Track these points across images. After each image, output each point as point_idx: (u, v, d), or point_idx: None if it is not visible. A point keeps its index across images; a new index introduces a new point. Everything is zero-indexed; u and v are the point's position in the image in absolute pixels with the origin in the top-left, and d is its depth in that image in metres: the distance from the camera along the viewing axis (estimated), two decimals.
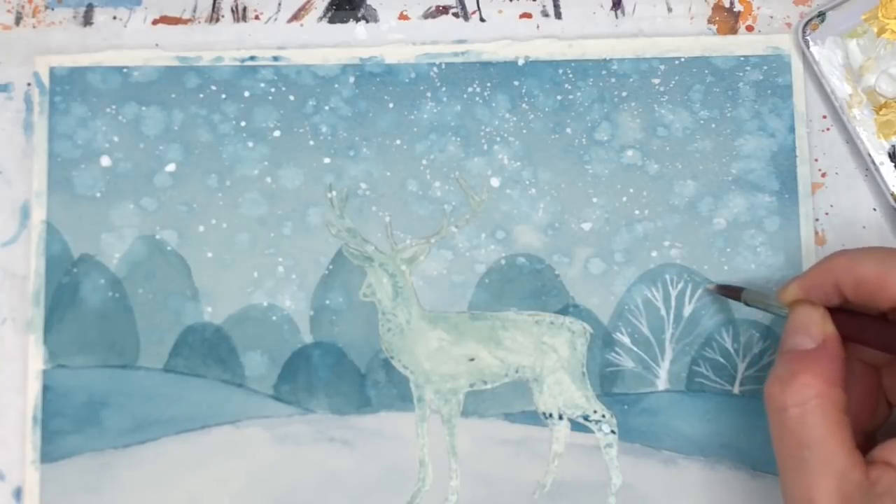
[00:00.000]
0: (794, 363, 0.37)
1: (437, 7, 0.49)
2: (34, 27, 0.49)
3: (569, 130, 0.48)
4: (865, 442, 0.41)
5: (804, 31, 0.47)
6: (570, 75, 0.48)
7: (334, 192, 0.47)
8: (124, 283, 0.47)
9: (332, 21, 0.49)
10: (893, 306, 0.38)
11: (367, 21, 0.49)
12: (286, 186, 0.47)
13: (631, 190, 0.47)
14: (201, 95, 0.48)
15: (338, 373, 0.46)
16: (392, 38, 0.49)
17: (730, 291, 0.45)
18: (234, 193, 0.47)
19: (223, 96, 0.48)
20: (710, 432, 0.46)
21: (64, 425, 0.46)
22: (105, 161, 0.48)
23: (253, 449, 0.46)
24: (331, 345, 0.47)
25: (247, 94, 0.48)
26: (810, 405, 0.36)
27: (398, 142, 0.48)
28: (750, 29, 0.48)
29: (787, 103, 0.47)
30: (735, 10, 0.49)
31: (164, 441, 0.46)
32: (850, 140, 0.47)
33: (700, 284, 0.46)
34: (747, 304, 0.44)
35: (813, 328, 0.38)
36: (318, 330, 0.47)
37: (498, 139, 0.48)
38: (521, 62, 0.48)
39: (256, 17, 0.49)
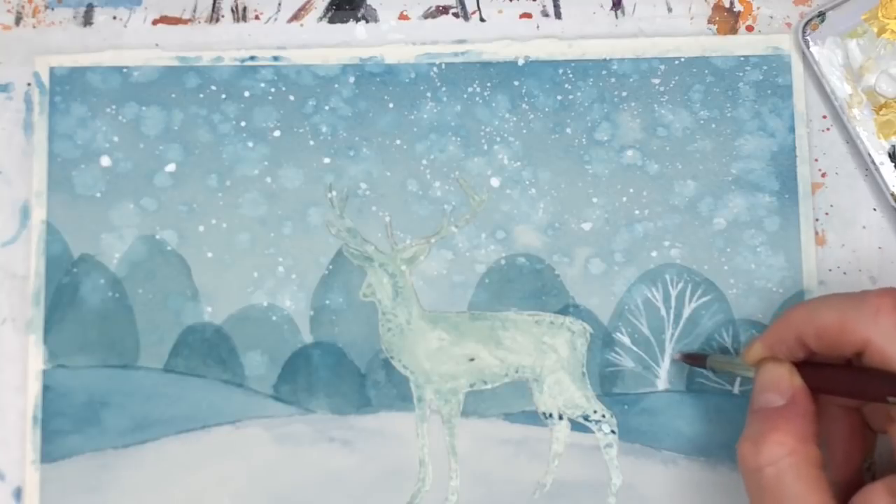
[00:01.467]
0: (765, 422, 0.37)
1: (437, 7, 0.49)
2: (34, 27, 0.49)
3: (569, 130, 0.48)
4: (856, 480, 0.41)
5: (804, 31, 0.47)
6: (570, 75, 0.48)
7: (334, 192, 0.47)
8: (124, 283, 0.47)
9: (332, 21, 0.49)
10: (856, 351, 0.37)
11: (367, 21, 0.49)
12: (286, 186, 0.47)
13: (631, 190, 0.47)
14: (201, 95, 0.48)
15: (338, 373, 0.46)
16: (392, 38, 0.49)
17: (694, 360, 0.45)
18: (234, 193, 0.47)
19: (223, 96, 0.48)
20: (710, 432, 0.46)
21: (64, 425, 0.46)
22: (105, 161, 0.48)
23: (253, 449, 0.46)
24: (331, 345, 0.47)
25: (247, 94, 0.48)
26: (784, 463, 0.36)
27: (398, 142, 0.48)
28: (750, 29, 0.48)
29: (787, 103, 0.47)
30: (735, 10, 0.49)
31: (164, 441, 0.46)
32: (850, 140, 0.47)
33: (700, 284, 0.46)
34: (714, 371, 0.44)
35: (781, 384, 0.38)
36: (318, 330, 0.47)
37: (498, 139, 0.48)
38: (521, 62, 0.48)
39: (256, 17, 0.49)
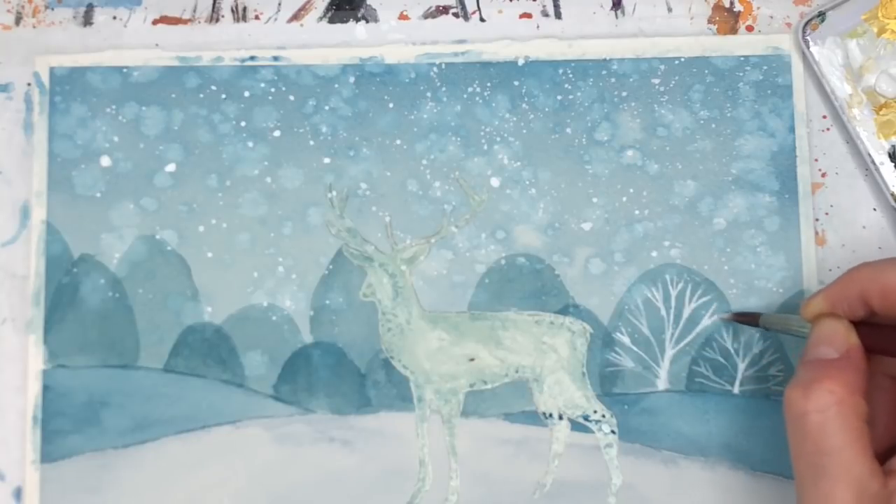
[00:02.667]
0: (816, 370, 0.37)
1: (437, 7, 0.49)
2: (34, 27, 0.49)
3: (569, 130, 0.48)
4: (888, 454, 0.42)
5: (804, 31, 0.47)
6: (570, 75, 0.48)
7: (334, 192, 0.47)
8: (124, 283, 0.47)
9: (332, 21, 0.49)
10: None
11: (367, 21, 0.49)
12: (286, 186, 0.47)
13: (631, 190, 0.47)
14: (201, 95, 0.48)
15: (338, 373, 0.46)
16: (392, 38, 0.49)
17: (747, 318, 0.45)
18: (234, 193, 0.47)
19: (223, 96, 0.48)
20: (710, 432, 0.46)
21: (64, 425, 0.46)
22: (105, 161, 0.48)
23: (253, 449, 0.46)
24: (331, 345, 0.47)
25: (247, 94, 0.48)
26: (831, 412, 0.36)
27: (398, 142, 0.48)
28: (750, 29, 0.48)
29: (787, 103, 0.47)
30: (735, 10, 0.49)
31: (164, 441, 0.46)
32: (850, 140, 0.47)
33: (700, 284, 0.46)
34: (766, 329, 0.44)
35: (837, 339, 0.38)
36: (318, 330, 0.47)
37: (498, 139, 0.48)
38: (521, 62, 0.48)
39: (256, 17, 0.49)
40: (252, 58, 0.48)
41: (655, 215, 0.47)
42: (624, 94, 0.48)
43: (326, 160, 0.48)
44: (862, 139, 0.46)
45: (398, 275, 0.47)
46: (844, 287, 0.39)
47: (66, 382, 0.46)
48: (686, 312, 0.46)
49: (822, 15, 0.47)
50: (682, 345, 0.46)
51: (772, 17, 0.49)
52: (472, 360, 0.46)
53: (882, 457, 0.37)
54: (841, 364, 0.37)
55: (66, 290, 0.47)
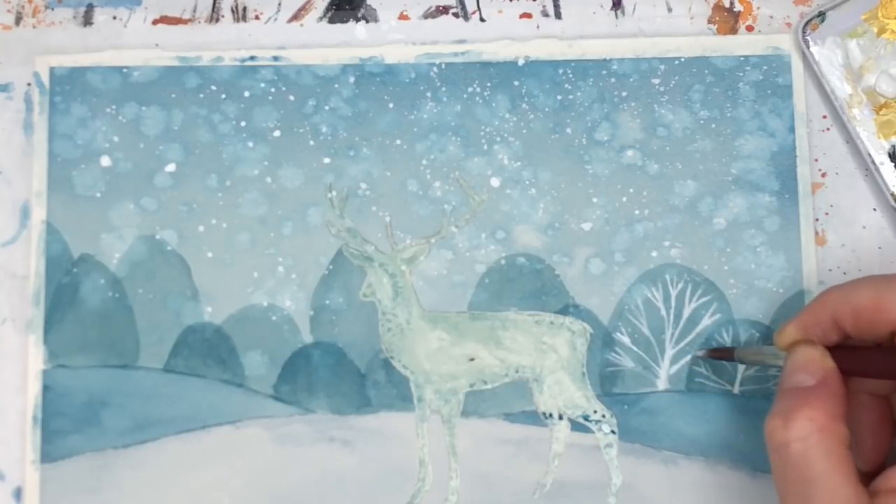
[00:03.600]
0: (795, 399, 0.37)
1: (437, 7, 0.49)
2: (34, 27, 0.49)
3: (569, 130, 0.48)
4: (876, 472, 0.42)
5: (804, 31, 0.47)
6: (570, 75, 0.48)
7: (334, 192, 0.47)
8: (124, 283, 0.47)
9: (332, 21, 0.49)
10: (893, 330, 0.37)
11: (367, 21, 0.49)
12: (286, 186, 0.47)
13: (631, 190, 0.47)
14: (201, 95, 0.48)
15: (338, 373, 0.46)
16: (392, 38, 0.49)
17: (721, 354, 0.45)
18: (234, 193, 0.47)
19: (223, 96, 0.48)
20: (710, 432, 0.46)
21: (64, 425, 0.46)
22: (105, 161, 0.48)
23: (253, 449, 0.46)
24: (331, 345, 0.47)
25: (247, 94, 0.48)
26: (813, 440, 0.36)
27: (398, 142, 0.48)
28: (750, 29, 0.48)
29: (787, 103, 0.47)
30: (735, 10, 0.49)
31: (164, 441, 0.46)
32: (850, 140, 0.47)
33: (700, 284, 0.46)
34: (742, 363, 0.44)
35: (812, 365, 0.38)
36: (318, 330, 0.47)
37: (498, 139, 0.48)
38: (521, 62, 0.48)
39: (256, 17, 0.49)
40: (252, 58, 0.48)
41: (655, 215, 0.47)
42: (624, 94, 0.48)
43: (326, 160, 0.48)
44: (862, 139, 0.46)
45: (398, 275, 0.47)
46: (815, 313, 0.40)
47: (66, 382, 0.46)
48: (686, 312, 0.46)
49: (822, 15, 0.47)
50: (682, 345, 0.46)
51: (772, 17, 0.49)
52: (472, 360, 0.46)
53: (870, 476, 0.37)
54: (819, 391, 0.37)
55: (66, 290, 0.47)
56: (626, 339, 0.46)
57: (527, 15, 0.49)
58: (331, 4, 0.49)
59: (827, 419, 0.36)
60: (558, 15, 0.49)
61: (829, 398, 0.37)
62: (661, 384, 0.46)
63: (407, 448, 0.46)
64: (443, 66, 0.48)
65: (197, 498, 0.46)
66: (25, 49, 0.49)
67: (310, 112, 0.48)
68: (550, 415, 0.46)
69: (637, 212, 0.47)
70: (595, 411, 0.46)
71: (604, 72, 0.48)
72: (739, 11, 0.49)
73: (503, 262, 0.47)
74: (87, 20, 0.49)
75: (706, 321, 0.46)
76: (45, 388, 0.46)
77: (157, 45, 0.49)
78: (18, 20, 0.49)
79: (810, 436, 0.36)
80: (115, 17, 0.49)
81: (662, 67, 0.48)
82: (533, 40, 0.48)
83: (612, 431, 0.46)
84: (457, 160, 0.47)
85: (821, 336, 0.39)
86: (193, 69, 0.48)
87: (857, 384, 0.40)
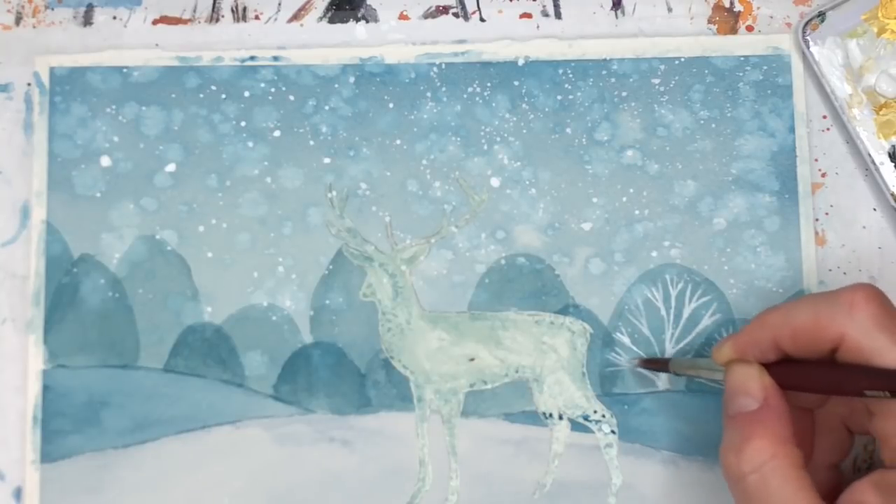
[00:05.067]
0: (743, 429, 0.37)
1: (437, 7, 0.49)
2: (34, 27, 0.49)
3: (569, 130, 0.48)
4: (833, 478, 0.42)
5: (804, 31, 0.47)
6: (570, 75, 0.48)
7: (334, 192, 0.47)
8: (124, 283, 0.47)
9: (332, 21, 0.49)
10: (832, 348, 0.37)
11: (367, 21, 0.49)
12: (286, 186, 0.47)
13: (631, 190, 0.47)
14: (201, 95, 0.48)
15: (338, 373, 0.46)
16: (392, 38, 0.49)
17: (655, 364, 0.45)
18: (234, 193, 0.47)
19: (223, 96, 0.48)
20: (710, 432, 0.46)
21: (64, 425, 0.46)
22: (105, 161, 0.48)
23: (253, 449, 0.46)
24: (331, 345, 0.47)
25: (247, 94, 0.48)
26: (767, 468, 0.36)
27: (398, 142, 0.48)
28: (750, 29, 0.48)
29: (787, 103, 0.47)
30: (735, 10, 0.49)
31: (164, 441, 0.46)
32: (850, 140, 0.47)
33: (700, 284, 0.46)
34: (676, 374, 0.44)
35: (752, 386, 0.38)
36: (318, 330, 0.47)
37: (498, 139, 0.48)
38: (521, 62, 0.48)
39: (256, 17, 0.49)
40: (252, 58, 0.48)
41: (655, 215, 0.47)
42: (624, 94, 0.48)
43: (326, 160, 0.48)
44: (862, 139, 0.46)
45: (398, 275, 0.47)
46: (754, 333, 0.39)
47: (66, 382, 0.46)
48: (686, 312, 0.46)
49: (822, 15, 0.47)
50: (682, 345, 0.46)
51: (772, 17, 0.49)
52: (472, 360, 0.46)
53: (823, 487, 0.37)
54: (763, 416, 0.37)
55: (66, 290, 0.47)
56: (626, 339, 0.46)
57: (527, 15, 0.49)
58: (331, 4, 0.49)
59: (777, 444, 0.36)
60: (558, 15, 0.49)
61: (775, 421, 0.37)
62: (661, 384, 0.46)
63: (407, 448, 0.46)
64: (443, 66, 0.48)
65: (197, 498, 0.46)
66: (25, 49, 0.49)
67: (310, 112, 0.48)
68: (550, 415, 0.46)
69: (637, 212, 0.47)
70: (595, 411, 0.46)
71: (604, 72, 0.48)
72: (739, 11, 0.49)
73: (503, 262, 0.47)
74: (87, 20, 0.49)
75: (706, 321, 0.46)
76: (45, 388, 0.46)
77: (157, 45, 0.49)
78: (18, 20, 0.49)
79: (764, 465, 0.36)
80: (115, 17, 0.49)
81: (662, 67, 0.48)
82: (533, 40, 0.48)
83: (612, 431, 0.46)
84: (457, 160, 0.47)
85: (759, 356, 0.39)
86: (193, 69, 0.48)
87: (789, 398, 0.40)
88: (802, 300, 0.39)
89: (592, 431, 0.46)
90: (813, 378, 0.38)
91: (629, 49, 0.48)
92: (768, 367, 0.39)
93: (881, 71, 0.47)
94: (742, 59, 0.48)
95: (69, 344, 0.46)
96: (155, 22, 0.49)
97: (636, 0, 0.49)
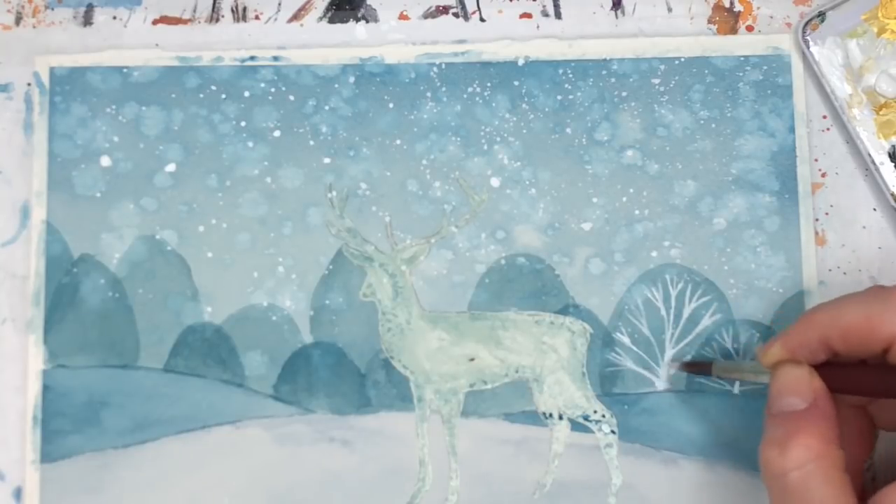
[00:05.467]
0: (788, 425, 0.37)
1: (437, 7, 0.49)
2: (34, 27, 0.49)
3: (569, 130, 0.48)
4: (857, 482, 0.41)
5: (804, 31, 0.47)
6: (570, 75, 0.48)
7: (334, 192, 0.47)
8: (124, 283, 0.47)
9: (332, 21, 0.49)
10: (884, 347, 0.37)
11: (367, 21, 0.49)
12: (286, 186, 0.47)
13: (631, 190, 0.47)
14: (201, 95, 0.48)
15: (338, 373, 0.46)
16: (392, 38, 0.49)
17: (696, 368, 0.45)
18: (234, 193, 0.47)
19: (223, 96, 0.48)
20: (710, 432, 0.46)
21: (64, 425, 0.46)
22: (105, 161, 0.48)
23: (253, 449, 0.46)
24: (331, 345, 0.47)
25: (247, 94, 0.48)
26: (811, 467, 0.36)
27: (398, 142, 0.48)
28: (750, 29, 0.48)
29: (787, 103, 0.47)
30: (735, 10, 0.49)
31: (164, 441, 0.46)
32: (850, 140, 0.47)
33: (700, 284, 0.46)
34: (719, 378, 0.44)
35: (801, 387, 0.38)
36: (318, 330, 0.47)
37: (498, 139, 0.48)
38: (521, 62, 0.48)
39: (256, 17, 0.49)
40: (252, 58, 0.48)
41: (655, 215, 0.47)
42: (624, 94, 0.48)
43: (326, 160, 0.48)
44: (862, 139, 0.46)
45: (398, 275, 0.47)
46: (803, 332, 0.39)
47: (66, 382, 0.46)
48: (686, 312, 0.46)
49: (822, 15, 0.47)
50: (682, 345, 0.46)
51: (772, 17, 0.49)
52: (472, 360, 0.46)
53: (859, 489, 0.37)
54: (811, 415, 0.37)
55: (66, 290, 0.47)
56: (626, 339, 0.46)
57: (527, 15, 0.49)
58: (331, 4, 0.49)
59: (823, 445, 0.36)
60: (558, 15, 0.49)
61: (823, 422, 0.37)
62: (661, 384, 0.46)
63: (407, 448, 0.46)
64: (443, 66, 0.48)
65: (197, 498, 0.46)
66: (25, 49, 0.49)
67: (310, 112, 0.48)
68: (550, 415, 0.46)
69: (637, 212, 0.47)
70: (595, 411, 0.46)
71: (604, 72, 0.48)
72: (739, 11, 0.49)
73: (503, 262, 0.47)
74: (87, 20, 0.49)
75: (706, 321, 0.46)
76: (45, 388, 0.46)
77: (157, 45, 0.49)
78: (18, 20, 0.49)
79: (808, 463, 0.36)
80: (115, 17, 0.49)
81: (662, 67, 0.48)
82: (533, 40, 0.48)
83: (612, 431, 0.46)
84: (457, 160, 0.47)
85: (808, 356, 0.39)
86: (193, 69, 0.48)
87: (837, 396, 0.39)
88: (851, 298, 0.38)
89: (592, 431, 0.46)
90: (862, 380, 0.38)
91: (629, 49, 0.48)
92: (817, 368, 0.38)
93: (881, 71, 0.47)
94: (742, 59, 0.48)
95: (69, 344, 0.46)
96: (155, 22, 0.49)
97: (636, 0, 0.49)
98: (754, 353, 0.41)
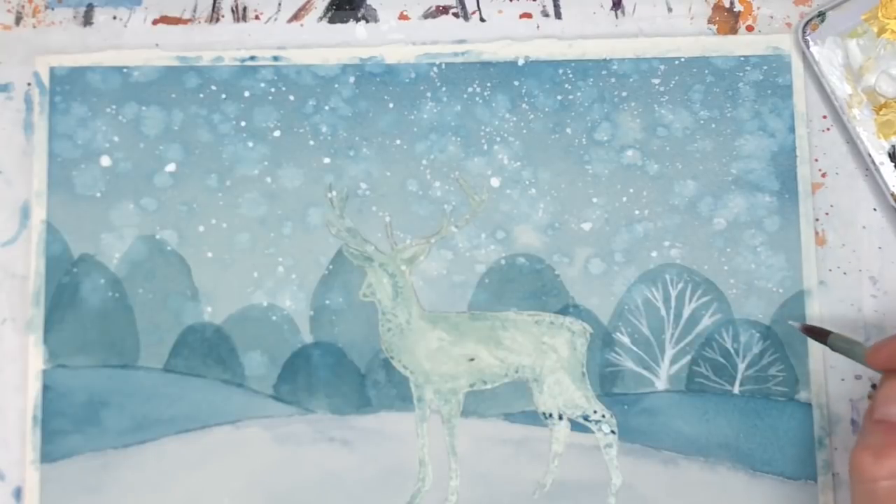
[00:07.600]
0: (888, 434, 0.37)
1: (437, 7, 0.49)
2: (34, 27, 0.49)
3: (569, 130, 0.48)
4: None
5: (804, 31, 0.47)
6: (570, 75, 0.48)
7: (334, 192, 0.47)
8: (124, 283, 0.47)
9: (332, 21, 0.49)
10: None
11: (367, 21, 0.49)
12: (286, 186, 0.47)
13: (631, 190, 0.47)
14: (201, 95, 0.48)
15: (338, 373, 0.46)
16: (392, 38, 0.49)
17: (815, 333, 0.44)
18: (234, 193, 0.47)
19: (223, 96, 0.48)
20: (710, 432, 0.46)
21: (64, 425, 0.46)
22: (105, 161, 0.48)
23: (253, 449, 0.46)
24: (331, 345, 0.47)
25: (247, 94, 0.48)
26: None
27: (398, 142, 0.48)
28: (750, 29, 0.48)
29: (787, 103, 0.47)
30: (735, 10, 0.49)
31: (164, 441, 0.46)
32: (850, 140, 0.47)
33: (700, 284, 0.46)
34: (833, 349, 0.43)
35: None
36: (318, 330, 0.47)
37: (498, 139, 0.48)
38: (521, 62, 0.48)
39: (256, 17, 0.49)
40: (252, 58, 0.48)
41: (655, 215, 0.47)
42: (624, 94, 0.48)
43: (326, 160, 0.48)
44: (862, 139, 0.46)
45: (398, 275, 0.47)
46: None
47: (66, 382, 0.46)
48: (686, 312, 0.46)
49: (822, 15, 0.47)
50: (682, 345, 0.46)
51: (772, 17, 0.49)
52: (472, 360, 0.46)
53: None
54: None
55: (66, 290, 0.47)
56: (626, 339, 0.46)
57: (527, 15, 0.49)
58: (331, 4, 0.49)
59: None
60: (558, 15, 0.49)
61: None
62: (661, 384, 0.46)
63: (407, 448, 0.46)
64: (443, 66, 0.48)
65: (197, 498, 0.46)
66: (25, 49, 0.49)
67: (310, 112, 0.48)
68: (550, 415, 0.46)
69: (637, 212, 0.47)
70: (595, 411, 0.46)
71: (604, 72, 0.48)
72: (739, 11, 0.49)
73: (503, 262, 0.47)
74: (87, 20, 0.49)
75: (706, 321, 0.46)
76: (45, 388, 0.46)
77: (157, 45, 0.49)
78: (18, 20, 0.49)
79: None
80: (115, 17, 0.49)
81: (662, 67, 0.48)
82: (533, 40, 0.48)
83: (612, 431, 0.46)
84: (457, 160, 0.47)
85: None
86: (193, 69, 0.48)
87: None
88: None
89: (592, 431, 0.46)
90: None
91: (629, 49, 0.48)
92: None
93: (881, 71, 0.47)
94: (742, 59, 0.48)
95: (69, 344, 0.46)
96: (155, 22, 0.49)
97: (636, 0, 0.49)
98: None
